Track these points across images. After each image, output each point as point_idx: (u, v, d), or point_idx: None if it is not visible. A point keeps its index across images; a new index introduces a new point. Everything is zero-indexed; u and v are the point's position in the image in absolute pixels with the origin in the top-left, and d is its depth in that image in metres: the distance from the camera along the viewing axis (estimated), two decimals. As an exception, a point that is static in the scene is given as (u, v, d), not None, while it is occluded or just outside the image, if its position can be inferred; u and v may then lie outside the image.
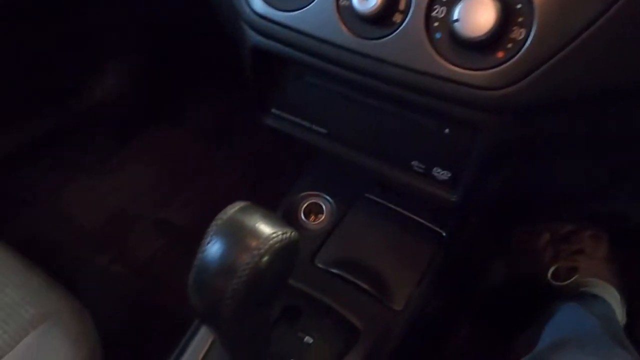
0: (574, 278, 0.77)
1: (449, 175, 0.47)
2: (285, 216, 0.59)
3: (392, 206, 0.60)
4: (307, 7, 0.42)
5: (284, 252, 0.30)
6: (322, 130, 0.53)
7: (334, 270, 0.53)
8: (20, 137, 0.92)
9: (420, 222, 0.58)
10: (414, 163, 0.48)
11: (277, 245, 0.29)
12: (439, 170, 0.47)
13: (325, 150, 0.53)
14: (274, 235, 0.30)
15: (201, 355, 0.46)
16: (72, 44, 0.85)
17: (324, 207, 0.61)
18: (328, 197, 0.61)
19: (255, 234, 0.30)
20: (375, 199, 0.61)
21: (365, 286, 0.52)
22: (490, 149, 0.43)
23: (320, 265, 0.53)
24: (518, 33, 0.36)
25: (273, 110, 0.55)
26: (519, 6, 0.36)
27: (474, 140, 0.44)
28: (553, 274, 0.80)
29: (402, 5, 0.39)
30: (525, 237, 0.85)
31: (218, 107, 0.96)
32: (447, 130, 0.45)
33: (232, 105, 0.94)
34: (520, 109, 0.39)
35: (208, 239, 0.30)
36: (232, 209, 0.31)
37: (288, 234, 0.30)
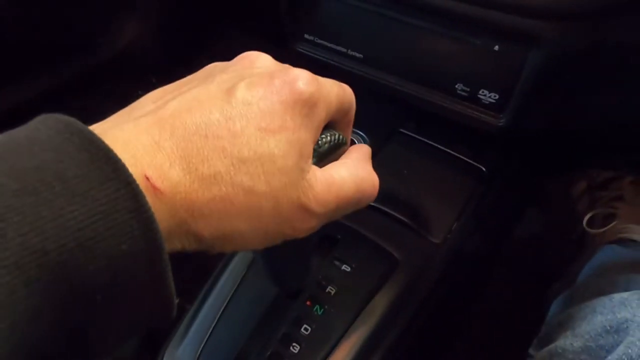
0: (612, 224, 0.75)
1: (497, 97, 0.44)
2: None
3: (429, 141, 0.57)
4: None
5: (332, 154, 0.28)
6: (359, 55, 0.50)
7: (370, 203, 0.51)
8: (43, 84, 0.90)
9: (459, 157, 0.56)
10: (458, 86, 0.46)
11: (325, 146, 0.27)
12: (486, 92, 0.45)
13: (362, 77, 0.50)
14: (322, 137, 0.28)
15: (239, 279, 0.45)
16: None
17: (357, 142, 0.58)
18: (361, 133, 0.58)
19: None
20: (411, 134, 0.58)
21: (402, 218, 0.50)
22: (544, 65, 0.40)
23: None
24: None
25: (306, 36, 0.52)
26: None
27: (527, 56, 0.41)
28: (589, 222, 0.77)
29: None
30: (561, 186, 0.83)
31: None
32: (496, 47, 0.42)
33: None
34: (582, 12, 0.35)
35: None
36: None
37: (335, 136, 0.28)
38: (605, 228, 0.75)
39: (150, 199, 0.20)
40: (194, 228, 0.22)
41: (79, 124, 0.20)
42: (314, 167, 0.25)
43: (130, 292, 0.19)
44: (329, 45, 0.51)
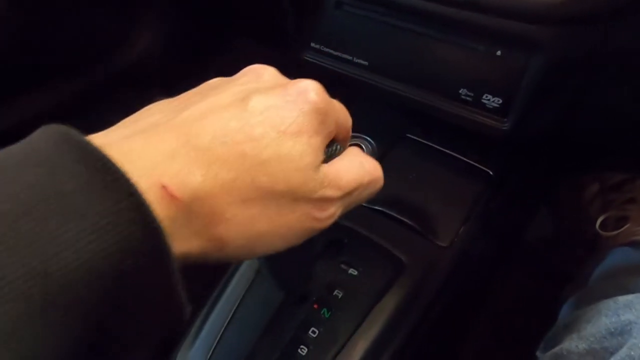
0: (624, 227, 0.74)
1: (500, 102, 0.45)
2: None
3: (436, 146, 0.58)
4: None
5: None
6: (364, 62, 0.51)
7: (377, 207, 0.51)
8: (52, 98, 0.93)
9: (466, 161, 0.56)
10: (462, 91, 0.46)
11: (327, 153, 0.28)
12: (489, 97, 0.45)
13: (368, 84, 0.51)
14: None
15: (248, 285, 0.46)
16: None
17: (364, 148, 0.59)
18: (369, 139, 0.59)
19: None
20: (418, 139, 0.59)
21: (409, 222, 0.50)
22: (546, 69, 0.41)
23: (362, 203, 0.52)
24: None
25: (313, 44, 0.53)
26: None
27: (529, 60, 0.41)
28: (601, 224, 0.77)
29: None
30: (573, 188, 0.82)
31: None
32: (499, 52, 0.43)
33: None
34: (578, 17, 0.36)
35: None
36: None
37: (335, 146, 0.29)
38: (618, 231, 0.74)
39: (165, 208, 0.20)
40: (217, 233, 0.22)
41: (75, 134, 0.19)
42: (323, 164, 0.26)
43: (140, 306, 0.19)
44: (335, 53, 0.52)
